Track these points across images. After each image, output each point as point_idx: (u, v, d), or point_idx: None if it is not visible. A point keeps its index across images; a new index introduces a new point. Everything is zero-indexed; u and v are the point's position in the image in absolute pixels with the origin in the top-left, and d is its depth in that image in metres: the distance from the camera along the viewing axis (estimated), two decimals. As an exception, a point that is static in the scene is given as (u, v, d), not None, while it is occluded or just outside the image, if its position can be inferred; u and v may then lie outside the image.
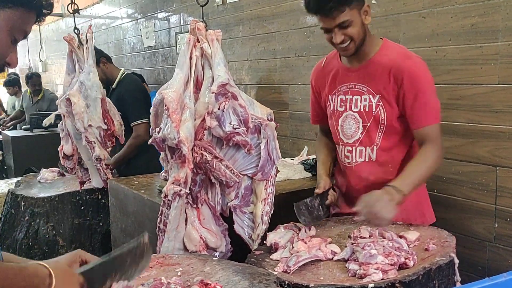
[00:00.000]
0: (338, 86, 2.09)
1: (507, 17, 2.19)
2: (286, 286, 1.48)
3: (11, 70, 9.13)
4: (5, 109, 8.53)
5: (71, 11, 3.55)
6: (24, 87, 7.68)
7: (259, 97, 3.79)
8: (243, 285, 1.38)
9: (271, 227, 1.93)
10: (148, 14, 5.40)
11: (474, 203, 2.39)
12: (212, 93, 1.76)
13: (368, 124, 2.01)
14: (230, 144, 1.82)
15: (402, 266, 1.53)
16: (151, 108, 1.95)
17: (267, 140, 1.88)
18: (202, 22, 1.91)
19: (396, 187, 1.78)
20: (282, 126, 3.54)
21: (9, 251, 2.38)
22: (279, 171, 2.25)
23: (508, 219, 2.29)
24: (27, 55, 8.95)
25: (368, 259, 1.53)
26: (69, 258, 1.28)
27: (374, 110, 1.99)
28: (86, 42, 3.22)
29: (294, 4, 3.38)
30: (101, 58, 3.68)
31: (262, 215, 1.93)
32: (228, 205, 1.90)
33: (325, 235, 1.89)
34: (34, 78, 6.81)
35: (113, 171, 3.35)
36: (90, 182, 3.33)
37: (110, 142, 3.30)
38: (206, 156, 1.77)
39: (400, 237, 1.73)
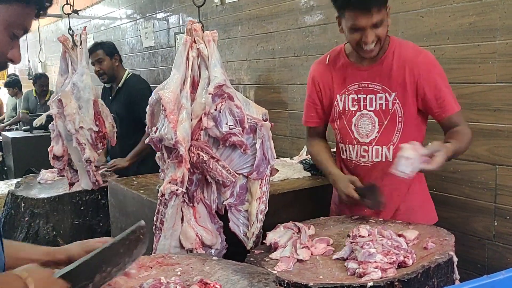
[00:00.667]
0: (348, 85, 2.06)
1: (505, 16, 2.20)
2: (285, 285, 1.49)
3: (11, 71, 9.14)
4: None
5: (66, 12, 3.56)
6: (25, 88, 7.69)
7: (258, 96, 3.79)
8: (242, 285, 1.39)
9: (271, 226, 1.94)
10: (147, 15, 5.40)
11: (473, 202, 2.39)
12: (209, 94, 1.77)
13: (385, 123, 2.00)
14: (227, 145, 1.83)
15: (401, 265, 1.54)
16: (147, 107, 1.96)
17: (263, 140, 1.89)
18: (198, 23, 1.91)
19: (448, 148, 1.82)
20: (281, 126, 3.55)
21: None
22: (277, 170, 2.25)
23: (508, 217, 2.29)
24: (27, 56, 8.95)
25: (367, 258, 1.53)
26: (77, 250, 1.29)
27: (390, 108, 1.99)
28: (80, 44, 3.21)
29: (292, 4, 3.39)
30: (115, 54, 3.85)
31: (257, 213, 1.93)
32: (224, 203, 1.91)
33: (324, 234, 1.90)
34: (42, 79, 6.82)
35: (99, 168, 3.33)
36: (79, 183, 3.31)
37: (101, 144, 3.28)
38: (202, 156, 1.78)
39: (399, 235, 1.73)
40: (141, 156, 3.61)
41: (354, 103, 2.05)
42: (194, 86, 1.86)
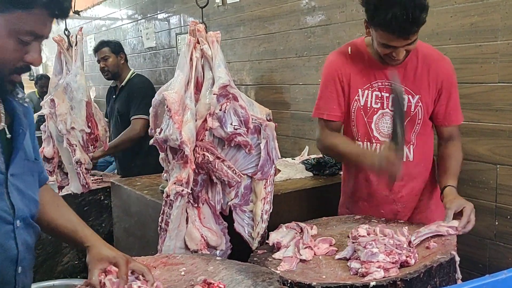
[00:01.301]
0: (372, 81, 2.01)
1: (506, 16, 2.20)
2: (289, 285, 1.49)
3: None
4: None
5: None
6: (27, 89, 7.68)
7: (261, 97, 3.80)
8: (246, 284, 1.39)
9: (273, 226, 1.95)
10: (149, 15, 5.41)
11: (475, 201, 2.39)
12: (214, 94, 1.77)
13: (405, 124, 2.01)
14: (232, 145, 1.83)
15: (403, 264, 1.54)
16: (151, 108, 1.96)
17: (267, 140, 1.89)
18: (202, 23, 1.92)
19: (454, 187, 1.96)
20: (284, 126, 3.56)
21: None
22: (279, 170, 2.26)
23: (509, 217, 2.30)
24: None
25: (369, 257, 1.54)
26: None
27: (412, 110, 2.00)
28: (76, 44, 3.21)
29: (294, 5, 3.39)
30: (121, 52, 3.91)
31: (262, 213, 1.94)
32: (228, 204, 1.91)
33: (326, 234, 1.90)
34: (43, 80, 6.75)
35: (89, 171, 3.28)
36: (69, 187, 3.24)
37: (92, 146, 3.22)
38: (208, 156, 1.79)
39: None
40: (115, 151, 3.65)
41: (377, 100, 2.02)
42: (198, 87, 1.87)
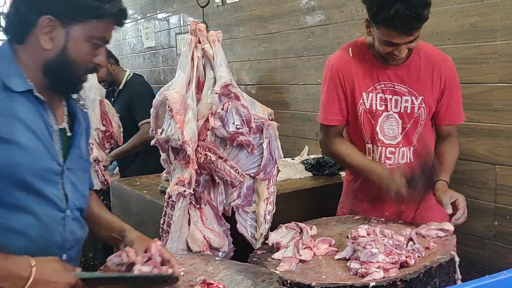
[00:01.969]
0: (376, 83, 1.99)
1: (506, 17, 2.21)
2: (288, 285, 1.50)
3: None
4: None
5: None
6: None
7: (260, 97, 3.80)
8: (246, 284, 1.40)
9: (273, 226, 1.94)
10: (148, 15, 5.41)
11: (474, 202, 2.40)
12: (216, 94, 1.77)
13: (408, 126, 2.01)
14: (234, 144, 1.82)
15: (403, 265, 1.55)
16: (152, 109, 1.95)
17: (269, 140, 1.89)
18: (202, 23, 1.92)
19: (447, 182, 1.96)
20: (283, 126, 3.56)
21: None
22: (280, 170, 2.25)
23: (508, 217, 2.30)
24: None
25: (369, 258, 1.54)
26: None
27: (416, 111, 2.00)
28: None
29: (294, 5, 3.40)
30: (109, 59, 3.72)
31: (264, 214, 1.93)
32: (231, 204, 1.90)
33: (326, 234, 1.90)
34: None
35: (107, 168, 3.33)
36: None
37: (108, 143, 3.30)
38: (210, 156, 1.78)
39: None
40: (123, 156, 3.63)
41: (382, 103, 2.00)
42: (200, 87, 1.86)
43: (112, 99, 3.91)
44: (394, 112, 2.00)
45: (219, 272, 1.51)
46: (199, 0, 2.16)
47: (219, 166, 1.78)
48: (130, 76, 3.83)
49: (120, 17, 1.36)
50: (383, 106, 2.00)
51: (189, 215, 1.86)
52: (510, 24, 2.20)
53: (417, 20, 1.76)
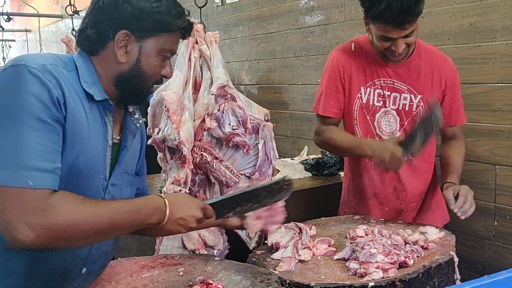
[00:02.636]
0: (375, 79, 2.00)
1: (505, 17, 2.20)
2: (287, 285, 1.49)
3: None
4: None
5: (68, 13, 3.57)
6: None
7: (259, 97, 3.80)
8: (244, 285, 1.39)
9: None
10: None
11: (474, 202, 2.40)
12: (212, 94, 1.77)
13: (405, 123, 2.01)
14: (230, 145, 1.83)
15: (402, 265, 1.54)
16: (149, 108, 1.96)
17: (265, 141, 1.90)
18: (200, 23, 1.92)
19: (455, 184, 1.92)
20: (282, 126, 3.56)
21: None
22: (278, 171, 2.25)
23: (507, 217, 2.30)
24: (27, 57, 8.91)
25: (368, 258, 1.54)
26: None
27: (414, 110, 2.00)
28: None
29: (293, 5, 3.39)
30: None
31: (259, 214, 1.94)
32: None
33: (325, 235, 1.90)
34: None
35: None
36: None
37: None
38: (206, 156, 1.79)
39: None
40: None
41: (380, 98, 2.01)
42: (196, 87, 1.87)
43: None
44: (392, 109, 2.00)
45: (218, 272, 1.51)
46: (197, 0, 2.16)
47: (214, 166, 1.79)
48: None
49: (186, 31, 1.43)
50: (381, 102, 2.01)
51: (185, 214, 1.86)
52: (510, 24, 2.20)
53: (409, 13, 1.75)
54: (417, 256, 1.59)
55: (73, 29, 3.36)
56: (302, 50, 3.37)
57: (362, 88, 2.01)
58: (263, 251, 1.81)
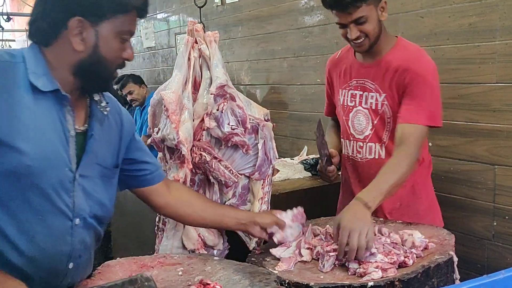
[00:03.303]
0: (349, 80, 2.07)
1: (504, 17, 2.20)
2: (286, 285, 1.49)
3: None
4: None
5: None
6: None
7: (258, 97, 3.80)
8: (243, 284, 1.39)
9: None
10: (148, 15, 5.39)
11: (473, 202, 2.40)
12: (211, 94, 1.77)
13: (375, 122, 2.01)
14: (229, 145, 1.83)
15: (401, 265, 1.54)
16: (149, 108, 1.96)
17: (265, 140, 1.90)
18: (200, 23, 1.92)
19: (364, 201, 1.68)
20: (282, 126, 3.56)
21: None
22: (278, 170, 2.25)
23: (507, 217, 2.30)
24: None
25: (367, 257, 1.54)
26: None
27: (379, 108, 1.99)
28: None
29: (292, 5, 3.39)
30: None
31: (259, 213, 1.94)
32: (226, 203, 1.91)
33: (324, 234, 1.90)
34: None
35: None
36: None
37: None
38: (205, 156, 1.79)
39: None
40: None
41: (352, 98, 2.06)
42: (196, 87, 1.87)
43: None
44: (363, 108, 2.03)
45: (217, 272, 1.50)
46: (197, 0, 2.16)
47: (213, 166, 1.79)
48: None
49: (142, 9, 1.36)
50: (353, 102, 2.07)
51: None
52: (509, 24, 2.19)
53: None
54: (417, 256, 1.59)
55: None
56: (301, 50, 3.37)
57: (340, 90, 2.11)
58: (262, 251, 1.81)
